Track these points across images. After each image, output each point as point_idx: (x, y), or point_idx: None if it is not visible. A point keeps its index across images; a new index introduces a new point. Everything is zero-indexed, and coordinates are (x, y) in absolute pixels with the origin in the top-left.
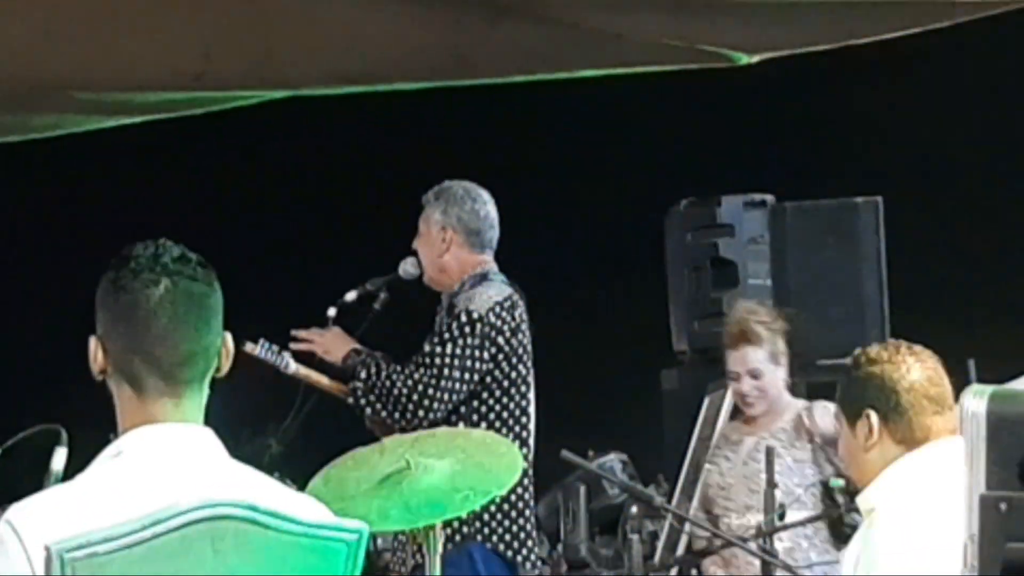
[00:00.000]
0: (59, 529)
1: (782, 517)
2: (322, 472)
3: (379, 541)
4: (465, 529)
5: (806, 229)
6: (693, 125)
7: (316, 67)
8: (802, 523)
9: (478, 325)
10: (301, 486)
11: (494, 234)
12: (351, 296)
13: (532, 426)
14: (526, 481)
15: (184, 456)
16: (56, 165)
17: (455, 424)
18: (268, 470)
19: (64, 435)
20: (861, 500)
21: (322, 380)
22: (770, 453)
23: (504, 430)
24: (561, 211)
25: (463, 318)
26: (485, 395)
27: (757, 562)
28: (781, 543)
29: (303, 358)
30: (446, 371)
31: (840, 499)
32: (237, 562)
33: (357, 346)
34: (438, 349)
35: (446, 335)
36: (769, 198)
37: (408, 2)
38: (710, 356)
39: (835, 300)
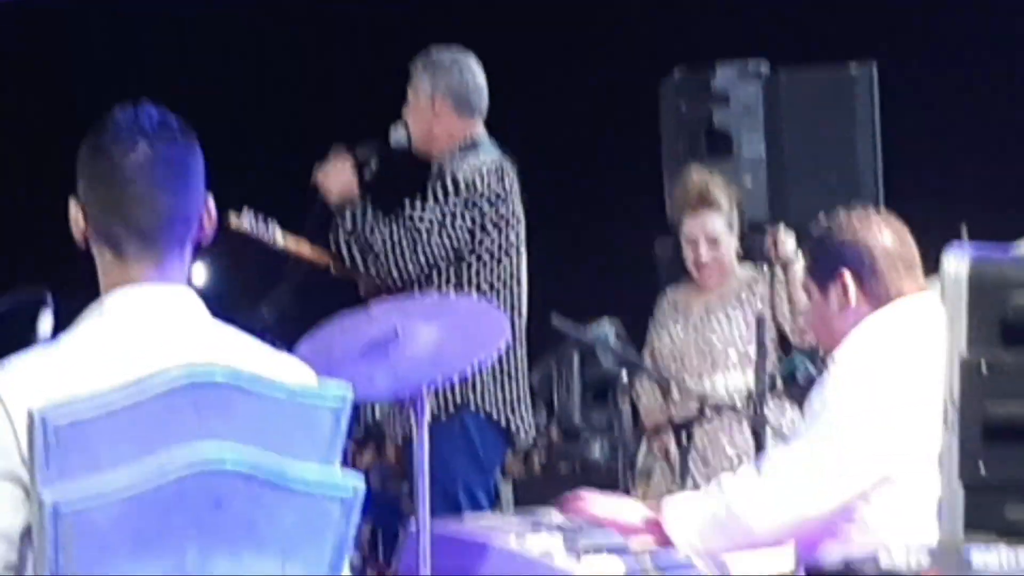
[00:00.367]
0: (42, 392)
1: (773, 388)
2: (309, 336)
3: (377, 413)
4: (459, 399)
5: (800, 97)
6: None
7: None
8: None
9: (461, 189)
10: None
11: (483, 101)
12: None
13: (524, 293)
14: (519, 348)
15: (166, 315)
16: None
17: (444, 290)
18: (260, 337)
19: (48, 296)
20: (832, 362)
21: (308, 251)
22: (761, 324)
23: (495, 297)
24: (556, 77)
25: (447, 182)
26: (475, 261)
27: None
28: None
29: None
30: (423, 233)
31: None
32: (221, 426)
33: (353, 190)
34: (418, 211)
35: (429, 198)
36: (764, 65)
37: None
38: None
39: (829, 167)
